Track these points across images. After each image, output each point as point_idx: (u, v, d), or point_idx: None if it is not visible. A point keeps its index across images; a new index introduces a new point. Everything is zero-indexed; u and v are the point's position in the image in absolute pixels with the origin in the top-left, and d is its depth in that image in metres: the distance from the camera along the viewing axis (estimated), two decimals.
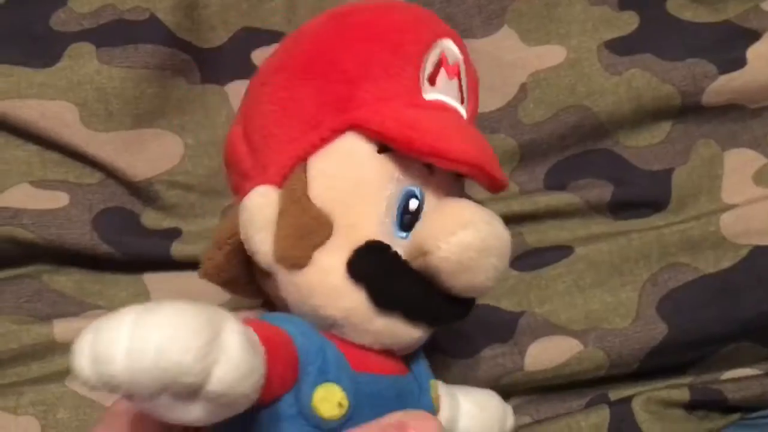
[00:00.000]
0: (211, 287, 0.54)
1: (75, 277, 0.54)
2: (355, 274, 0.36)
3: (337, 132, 0.37)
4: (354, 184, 0.37)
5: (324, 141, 0.37)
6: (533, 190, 0.58)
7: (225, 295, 0.54)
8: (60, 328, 0.52)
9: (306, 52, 0.39)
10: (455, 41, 0.41)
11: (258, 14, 0.58)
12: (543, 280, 0.55)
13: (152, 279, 0.55)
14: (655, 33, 0.58)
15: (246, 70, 0.58)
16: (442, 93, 0.39)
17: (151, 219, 0.55)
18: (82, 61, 0.53)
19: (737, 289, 0.55)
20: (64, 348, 0.52)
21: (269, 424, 0.33)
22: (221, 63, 0.58)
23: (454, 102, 0.39)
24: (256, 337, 0.29)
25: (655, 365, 0.55)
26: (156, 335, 0.24)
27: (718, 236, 0.55)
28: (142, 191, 0.54)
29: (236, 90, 0.58)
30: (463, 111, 0.40)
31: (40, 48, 0.53)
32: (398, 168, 0.37)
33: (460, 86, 0.40)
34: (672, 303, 0.55)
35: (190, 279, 0.55)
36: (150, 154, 0.55)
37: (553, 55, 0.58)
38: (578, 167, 0.58)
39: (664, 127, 0.58)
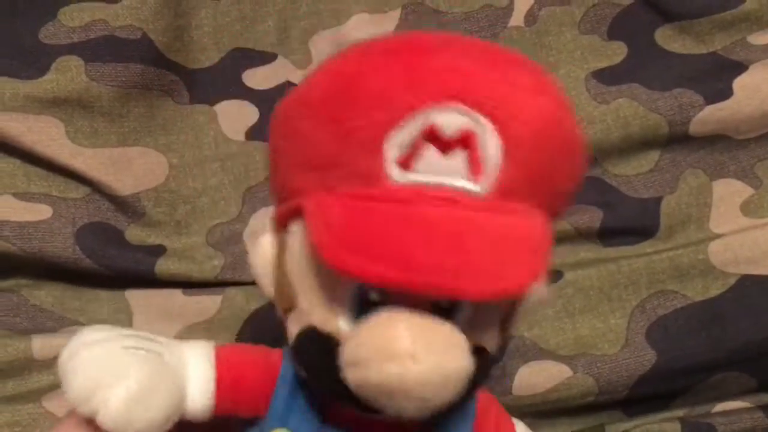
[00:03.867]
0: (194, 306, 0.54)
1: (55, 292, 0.53)
2: (295, 356, 0.35)
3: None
4: (308, 272, 0.34)
5: (295, 212, 0.35)
6: None
7: (206, 314, 0.54)
8: (38, 344, 0.51)
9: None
10: (471, 100, 0.32)
11: (251, 35, 0.59)
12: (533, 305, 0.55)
13: (134, 296, 0.54)
14: (642, 63, 0.59)
15: (237, 90, 0.58)
16: (427, 173, 0.32)
17: (135, 235, 0.54)
18: (70, 75, 0.53)
19: (725, 317, 0.55)
20: (42, 365, 0.51)
21: None
22: (211, 83, 0.58)
23: (449, 180, 0.33)
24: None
25: (643, 393, 0.54)
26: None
27: (707, 264, 0.55)
28: (128, 206, 0.54)
29: (226, 110, 0.58)
30: (470, 187, 0.33)
31: (28, 60, 0.53)
32: None
33: (473, 157, 0.33)
34: (661, 330, 0.54)
35: (172, 297, 0.54)
36: (136, 171, 0.55)
37: None
38: None
39: (653, 156, 0.59)
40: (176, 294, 0.54)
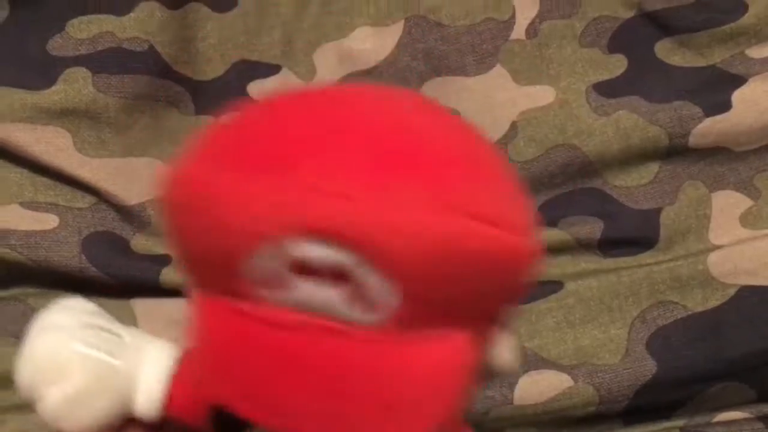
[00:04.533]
0: None
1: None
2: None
3: None
4: None
5: None
6: None
7: None
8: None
9: None
10: (337, 235, 0.26)
11: (256, 47, 0.59)
12: (533, 315, 0.55)
13: (140, 305, 0.54)
14: (642, 76, 0.59)
15: (241, 101, 0.58)
16: (303, 300, 0.27)
17: (141, 244, 0.55)
18: (78, 86, 0.54)
19: (725, 328, 0.55)
20: None
21: None
22: (217, 94, 0.59)
23: (331, 308, 0.27)
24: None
25: (644, 403, 0.54)
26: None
27: (707, 275, 0.56)
28: (134, 216, 0.54)
29: None
30: (357, 316, 0.27)
31: (36, 71, 0.54)
32: None
33: (355, 291, 0.27)
34: (661, 340, 0.55)
35: (178, 306, 0.54)
36: (142, 181, 0.55)
37: (543, 95, 0.59)
38: (568, 205, 0.58)
39: (652, 168, 0.59)
40: (181, 303, 0.54)
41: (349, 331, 0.27)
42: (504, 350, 0.33)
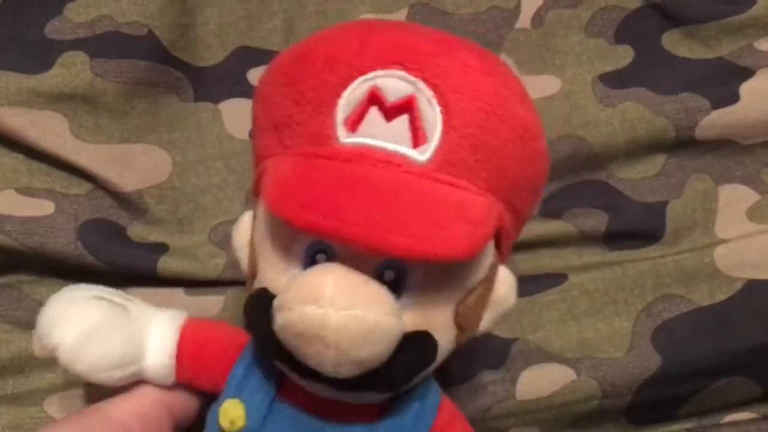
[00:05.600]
0: (196, 306, 0.53)
1: (56, 288, 0.51)
2: (246, 319, 0.36)
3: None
4: (267, 233, 0.36)
5: (261, 176, 0.38)
6: None
7: (208, 314, 0.53)
8: (38, 342, 0.50)
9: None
10: (414, 68, 0.35)
11: (256, 34, 0.58)
12: (536, 307, 0.54)
13: (136, 294, 0.53)
14: (649, 67, 0.59)
15: (242, 88, 0.58)
16: (371, 137, 0.35)
17: (137, 232, 0.54)
18: (75, 70, 0.53)
19: (731, 322, 0.54)
20: (42, 364, 0.51)
21: (209, 418, 0.39)
22: (216, 81, 0.58)
23: (391, 145, 0.34)
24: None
25: (648, 398, 0.54)
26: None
27: (713, 268, 0.55)
28: (131, 203, 0.53)
29: (230, 108, 0.57)
30: (411, 153, 0.34)
31: (33, 54, 0.53)
32: None
33: (415, 124, 0.35)
34: (666, 334, 0.54)
35: (174, 296, 0.53)
36: (139, 167, 0.55)
37: (548, 85, 0.58)
38: (574, 197, 0.57)
39: (659, 161, 0.58)
40: (178, 294, 0.53)
41: (404, 162, 0.34)
42: (502, 283, 0.39)
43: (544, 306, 0.54)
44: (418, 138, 0.34)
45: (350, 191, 0.33)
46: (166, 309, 0.43)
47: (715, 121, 0.57)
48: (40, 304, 0.52)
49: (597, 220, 0.57)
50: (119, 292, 0.42)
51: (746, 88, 0.57)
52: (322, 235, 0.33)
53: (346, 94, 0.35)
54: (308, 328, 0.31)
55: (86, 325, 0.39)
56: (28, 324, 0.51)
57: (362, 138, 0.34)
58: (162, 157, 0.55)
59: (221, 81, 0.58)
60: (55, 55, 0.53)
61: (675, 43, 0.59)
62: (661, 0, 0.59)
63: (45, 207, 0.52)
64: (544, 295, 0.55)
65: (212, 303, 0.53)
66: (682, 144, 0.58)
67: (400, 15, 0.58)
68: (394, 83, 0.34)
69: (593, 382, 0.53)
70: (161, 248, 0.53)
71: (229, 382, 0.39)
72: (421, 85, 0.34)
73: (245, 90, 0.58)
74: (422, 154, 0.34)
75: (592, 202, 0.57)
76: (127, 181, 0.53)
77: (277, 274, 0.36)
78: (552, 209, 0.57)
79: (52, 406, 0.50)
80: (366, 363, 0.32)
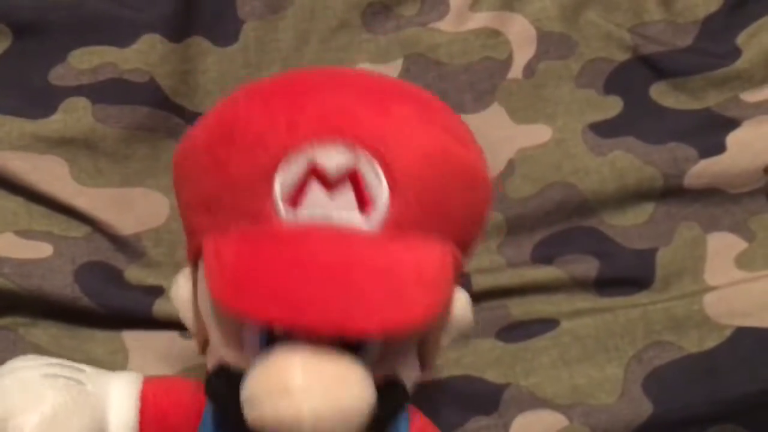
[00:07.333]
0: (190, 349, 0.53)
1: (51, 331, 0.53)
2: (208, 394, 0.36)
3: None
4: (214, 313, 0.36)
5: (198, 250, 0.36)
6: (520, 263, 0.58)
7: (203, 358, 0.53)
8: None
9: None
10: (351, 138, 0.33)
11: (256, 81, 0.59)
12: (529, 353, 0.55)
13: (131, 337, 0.53)
14: (638, 117, 0.60)
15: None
16: (315, 210, 0.33)
17: (134, 275, 0.54)
18: (77, 116, 0.54)
19: (721, 369, 0.55)
20: None
21: None
22: None
23: (337, 216, 0.33)
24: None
25: None
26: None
27: (702, 315, 0.56)
28: (129, 246, 0.54)
29: None
30: (359, 222, 0.33)
31: (36, 100, 0.54)
32: None
33: (360, 192, 0.33)
34: (657, 381, 0.54)
35: (170, 339, 0.54)
36: (137, 211, 0.55)
37: (539, 133, 0.60)
38: (564, 243, 0.58)
39: (648, 208, 0.59)
40: (174, 337, 0.53)
41: (353, 233, 0.33)
42: (456, 304, 0.38)
43: (537, 352, 0.55)
44: (364, 205, 0.33)
45: (301, 275, 0.31)
46: (120, 373, 0.41)
47: (703, 170, 0.58)
48: (36, 347, 0.53)
49: (588, 267, 0.57)
50: (68, 363, 0.39)
51: (733, 139, 0.58)
52: (281, 327, 0.32)
53: (282, 172, 0.33)
54: (283, 422, 0.31)
55: (45, 413, 0.35)
56: None
57: (306, 213, 0.33)
58: (160, 201, 0.56)
59: None
60: (58, 100, 0.54)
61: (663, 94, 0.61)
62: (649, 53, 0.61)
63: (43, 249, 0.53)
64: (536, 340, 0.55)
65: None
66: (671, 192, 0.59)
67: (396, 65, 0.60)
68: (333, 156, 0.33)
69: (585, 428, 0.53)
70: (157, 291, 0.54)
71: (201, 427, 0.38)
72: (362, 153, 0.33)
73: None
74: (370, 221, 0.33)
75: (583, 249, 0.58)
76: (125, 224, 0.54)
77: (235, 351, 0.35)
78: (543, 255, 0.58)
79: None
80: None
